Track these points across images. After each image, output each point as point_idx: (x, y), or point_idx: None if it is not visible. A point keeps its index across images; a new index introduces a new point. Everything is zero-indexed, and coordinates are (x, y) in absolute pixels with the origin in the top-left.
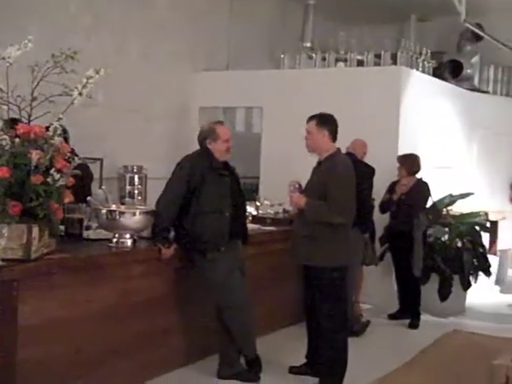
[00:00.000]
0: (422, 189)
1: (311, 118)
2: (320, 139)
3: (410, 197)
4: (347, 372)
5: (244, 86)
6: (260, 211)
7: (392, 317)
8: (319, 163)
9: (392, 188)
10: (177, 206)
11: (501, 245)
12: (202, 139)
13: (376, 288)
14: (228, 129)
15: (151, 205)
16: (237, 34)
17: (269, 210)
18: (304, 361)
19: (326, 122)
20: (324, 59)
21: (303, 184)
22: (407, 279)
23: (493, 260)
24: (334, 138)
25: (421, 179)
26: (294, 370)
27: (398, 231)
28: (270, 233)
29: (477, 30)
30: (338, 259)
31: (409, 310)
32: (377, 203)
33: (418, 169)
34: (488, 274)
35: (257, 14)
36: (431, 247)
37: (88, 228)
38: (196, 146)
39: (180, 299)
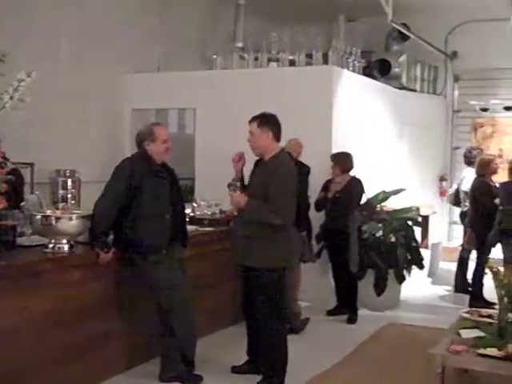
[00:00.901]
0: (356, 186)
1: (253, 118)
2: (263, 140)
3: (344, 194)
4: (288, 369)
5: (176, 88)
6: (197, 212)
7: (330, 313)
8: (261, 163)
9: (326, 186)
10: (115, 210)
11: (432, 238)
12: (140, 141)
13: (314, 285)
14: (166, 129)
15: (86, 209)
16: (168, 36)
17: (206, 211)
18: (246, 359)
19: (269, 122)
20: (256, 59)
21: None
22: (344, 275)
23: (425, 253)
24: (277, 138)
25: (354, 177)
26: (236, 370)
27: (334, 228)
28: (208, 233)
29: (403, 30)
30: (278, 261)
31: (346, 306)
32: (312, 201)
33: (351, 167)
34: (421, 267)
35: (188, 15)
36: (366, 243)
37: (22, 235)
38: (130, 148)
39: (120, 303)
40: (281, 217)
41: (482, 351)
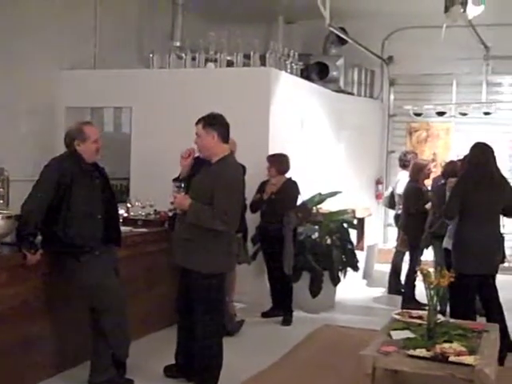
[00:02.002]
0: (292, 188)
1: (199, 119)
2: (209, 142)
3: (280, 196)
4: (222, 372)
5: (112, 86)
6: (131, 213)
7: (265, 315)
8: (208, 165)
9: (262, 187)
10: (43, 210)
11: (368, 240)
12: (69, 140)
13: (249, 287)
14: (97, 129)
15: (16, 209)
16: (104, 32)
17: (140, 212)
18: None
19: (215, 123)
20: (194, 59)
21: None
22: (279, 277)
23: (360, 255)
24: (224, 139)
25: (290, 179)
26: (168, 374)
27: (269, 230)
28: (142, 234)
29: (341, 34)
30: (217, 266)
31: (281, 308)
32: (248, 203)
33: (287, 168)
34: (356, 269)
35: (125, 12)
36: (302, 245)
37: None
38: (63, 147)
39: (49, 305)
40: (226, 224)
41: (411, 352)
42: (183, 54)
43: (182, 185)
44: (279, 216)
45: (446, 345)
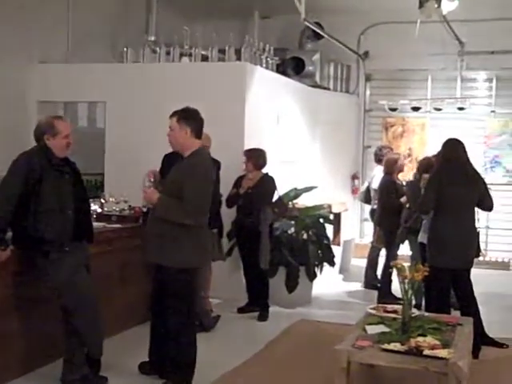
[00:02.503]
0: (268, 183)
1: (174, 113)
2: (182, 136)
3: (256, 191)
4: (198, 368)
5: (86, 80)
6: (105, 208)
7: (241, 310)
8: (180, 159)
9: (238, 182)
10: (13, 206)
11: (344, 235)
12: (39, 135)
13: (225, 282)
14: (68, 123)
15: None
16: (77, 25)
17: (114, 207)
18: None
19: (189, 118)
20: (168, 54)
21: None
22: (256, 272)
23: (337, 250)
24: (197, 134)
25: (267, 174)
26: (142, 371)
27: (245, 225)
28: (116, 230)
29: (316, 29)
30: (189, 261)
31: (257, 303)
32: (224, 198)
33: (264, 163)
34: (332, 264)
35: (98, 5)
36: (278, 240)
37: None
38: (34, 141)
39: (20, 303)
40: (192, 217)
41: (385, 346)
42: (157, 49)
43: (152, 179)
44: (255, 211)
45: (421, 338)
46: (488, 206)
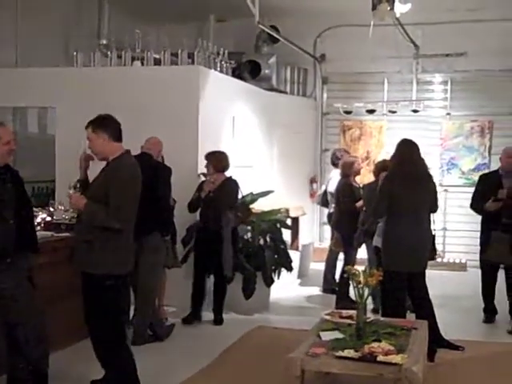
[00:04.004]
0: (231, 186)
1: (88, 123)
2: (101, 144)
3: (219, 195)
4: (149, 379)
5: (34, 85)
6: (54, 217)
7: (186, 321)
8: (107, 165)
9: (201, 186)
10: None
11: (303, 239)
12: None
13: (180, 290)
14: (9, 129)
15: None
16: (26, 28)
17: (63, 215)
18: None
19: (103, 125)
20: (120, 57)
21: None
22: (216, 279)
23: (295, 255)
24: (116, 138)
25: (230, 177)
26: None
27: (207, 230)
28: (64, 239)
29: (271, 32)
30: (112, 268)
31: (214, 308)
32: (180, 204)
33: (225, 166)
34: (289, 269)
35: (49, 8)
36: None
37: None
38: None
39: None
40: (119, 222)
41: (339, 353)
42: (109, 52)
43: (78, 185)
44: (217, 215)
45: (375, 344)
46: (435, 208)
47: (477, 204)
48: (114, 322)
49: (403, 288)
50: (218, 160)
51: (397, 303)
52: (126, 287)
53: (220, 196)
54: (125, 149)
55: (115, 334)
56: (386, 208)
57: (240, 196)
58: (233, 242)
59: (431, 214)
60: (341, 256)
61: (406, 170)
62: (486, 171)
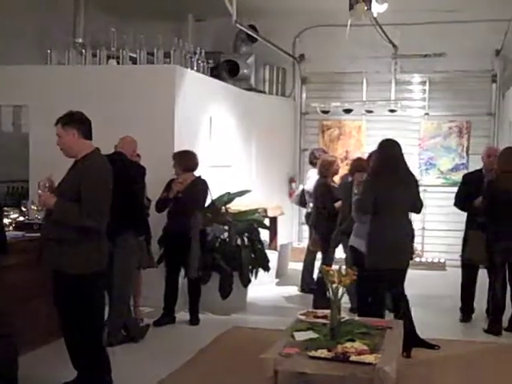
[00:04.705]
0: (200, 187)
1: (57, 120)
2: (70, 140)
3: (187, 195)
4: (122, 381)
5: (9, 83)
6: (26, 217)
7: (157, 323)
8: (75, 163)
9: (170, 186)
10: None
11: (282, 239)
12: None
13: (156, 290)
14: None
15: None
16: (0, 26)
17: (36, 215)
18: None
19: (74, 121)
20: (95, 56)
21: None
22: (188, 280)
23: (274, 255)
24: (87, 136)
25: (199, 177)
26: None
27: (175, 231)
28: (36, 239)
29: (249, 32)
30: (86, 266)
31: (189, 309)
32: (154, 204)
33: (193, 165)
34: (266, 269)
35: (24, 5)
36: (211, 246)
37: None
38: None
39: None
40: (92, 219)
41: (312, 353)
42: (83, 51)
43: (47, 184)
44: (186, 216)
45: (349, 344)
46: (418, 208)
47: (460, 202)
48: (89, 322)
49: (385, 287)
50: (185, 160)
51: (377, 302)
52: (100, 287)
53: (189, 197)
54: (94, 146)
55: (91, 335)
56: (372, 204)
57: (209, 196)
58: (201, 243)
59: (410, 214)
60: (319, 256)
61: (392, 169)
62: (465, 171)
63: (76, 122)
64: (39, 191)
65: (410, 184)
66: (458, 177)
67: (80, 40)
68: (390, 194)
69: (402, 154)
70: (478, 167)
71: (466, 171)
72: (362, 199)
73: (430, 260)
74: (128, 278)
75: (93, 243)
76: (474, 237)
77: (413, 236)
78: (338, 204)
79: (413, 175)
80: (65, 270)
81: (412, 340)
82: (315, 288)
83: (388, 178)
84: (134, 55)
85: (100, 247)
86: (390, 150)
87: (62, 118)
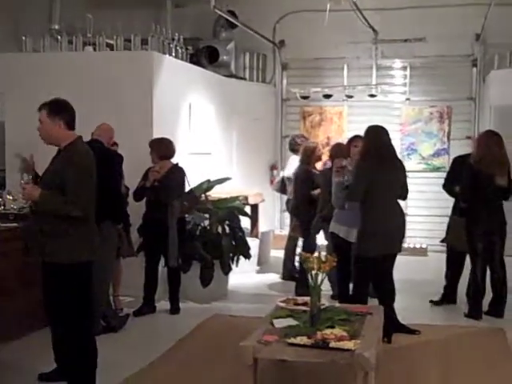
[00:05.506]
0: (177, 175)
1: (43, 106)
2: (53, 129)
3: (164, 183)
4: (103, 371)
5: None
6: (2, 207)
7: (137, 313)
8: (59, 152)
9: (147, 174)
10: None
11: (263, 227)
12: None
13: (136, 280)
14: None
15: None
16: None
17: (12, 205)
18: (55, 366)
19: (60, 110)
20: (71, 42)
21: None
22: (167, 267)
23: (255, 242)
24: (70, 126)
25: (176, 164)
26: (43, 377)
27: (153, 220)
28: (12, 230)
29: (229, 18)
30: (77, 255)
31: (169, 298)
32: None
33: (169, 153)
34: (247, 256)
35: None
36: (191, 234)
37: None
38: None
39: None
40: (79, 208)
41: (291, 340)
42: (59, 37)
43: (30, 176)
44: (163, 204)
45: (328, 331)
46: (405, 194)
47: (449, 185)
48: (83, 311)
49: (374, 274)
50: (159, 147)
51: (363, 289)
52: (90, 275)
53: (166, 185)
54: (77, 135)
55: (81, 323)
56: (362, 193)
57: (187, 184)
58: (180, 232)
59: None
60: (300, 242)
61: (383, 154)
62: (446, 157)
63: (63, 111)
64: (22, 182)
65: (399, 170)
66: (439, 162)
67: (56, 26)
68: (382, 181)
69: (390, 140)
70: (458, 153)
71: (447, 156)
72: (354, 187)
73: (411, 245)
74: (107, 267)
75: (82, 232)
76: (456, 222)
77: (404, 221)
78: (317, 191)
79: (401, 162)
80: (55, 260)
81: (393, 325)
82: (298, 275)
83: (379, 164)
84: (111, 42)
85: (90, 236)
86: (379, 137)
87: (47, 106)
